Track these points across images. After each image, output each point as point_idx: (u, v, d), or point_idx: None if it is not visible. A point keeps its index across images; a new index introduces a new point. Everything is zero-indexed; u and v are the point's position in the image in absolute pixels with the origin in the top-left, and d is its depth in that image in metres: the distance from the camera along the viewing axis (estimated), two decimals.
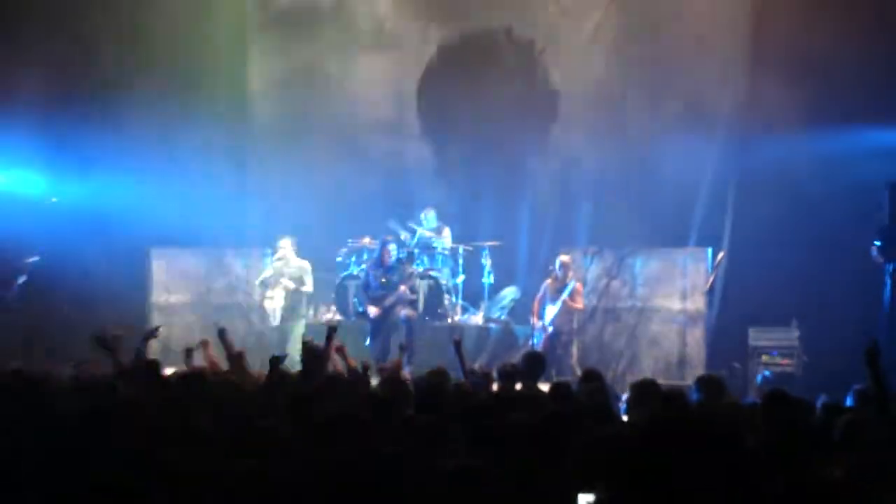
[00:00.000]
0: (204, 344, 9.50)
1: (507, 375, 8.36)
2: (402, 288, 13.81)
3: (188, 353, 9.33)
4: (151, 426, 5.73)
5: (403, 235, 15.09)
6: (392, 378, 7.81)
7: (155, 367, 8.23)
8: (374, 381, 8.37)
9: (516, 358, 8.61)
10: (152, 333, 9.88)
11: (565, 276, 13.56)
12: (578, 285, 13.64)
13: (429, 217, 15.22)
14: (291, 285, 14.00)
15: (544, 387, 8.14)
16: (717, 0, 14.66)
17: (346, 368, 8.75)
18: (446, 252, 15.08)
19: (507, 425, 5.50)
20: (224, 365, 9.11)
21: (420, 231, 15.04)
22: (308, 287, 14.09)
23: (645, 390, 6.97)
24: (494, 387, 8.34)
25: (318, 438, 5.43)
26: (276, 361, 7.77)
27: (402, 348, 10.78)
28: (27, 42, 15.23)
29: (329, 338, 8.72)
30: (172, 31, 16.11)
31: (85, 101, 16.06)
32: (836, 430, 5.94)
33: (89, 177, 15.87)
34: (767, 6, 14.29)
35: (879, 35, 13.40)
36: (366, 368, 8.61)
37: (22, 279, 14.62)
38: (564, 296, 13.40)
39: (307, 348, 8.51)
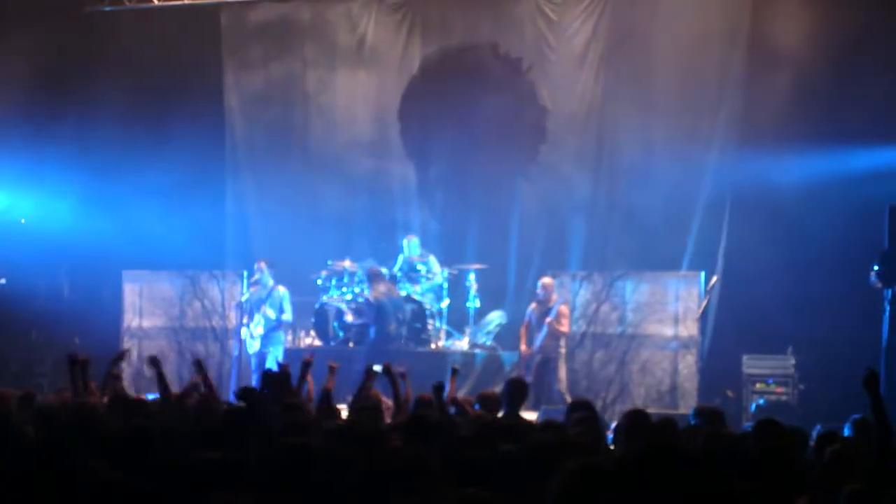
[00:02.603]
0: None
1: (490, 403, 8.04)
2: None
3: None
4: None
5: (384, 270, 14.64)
6: (372, 407, 7.64)
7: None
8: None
9: (499, 385, 8.20)
10: (121, 356, 9.62)
11: (548, 298, 13.28)
12: (563, 307, 13.27)
13: (412, 243, 14.72)
14: (272, 313, 13.45)
15: (529, 415, 7.73)
16: (710, 15, 14.28)
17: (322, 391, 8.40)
18: (434, 278, 14.57)
19: (493, 457, 5.29)
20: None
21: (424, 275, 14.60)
22: (288, 315, 13.60)
23: (637, 421, 6.64)
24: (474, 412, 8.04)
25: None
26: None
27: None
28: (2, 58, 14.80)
29: (304, 372, 8.53)
30: (147, 48, 15.77)
31: (58, 121, 15.72)
32: (824, 460, 5.82)
33: (59, 197, 15.50)
34: (764, 21, 13.97)
35: (880, 55, 13.13)
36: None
37: None
38: (549, 318, 13.03)
39: (278, 373, 8.48)
